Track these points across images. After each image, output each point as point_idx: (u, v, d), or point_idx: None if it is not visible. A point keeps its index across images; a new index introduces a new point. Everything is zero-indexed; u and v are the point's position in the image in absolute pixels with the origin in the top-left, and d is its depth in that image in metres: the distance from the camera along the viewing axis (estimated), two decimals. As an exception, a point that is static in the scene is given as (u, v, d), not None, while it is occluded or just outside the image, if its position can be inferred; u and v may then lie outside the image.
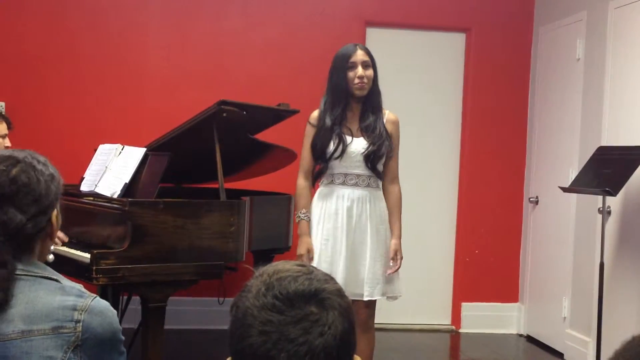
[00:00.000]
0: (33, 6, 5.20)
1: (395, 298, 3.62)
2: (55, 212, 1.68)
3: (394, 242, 3.57)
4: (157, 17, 5.33)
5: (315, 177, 3.64)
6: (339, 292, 1.17)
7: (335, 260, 3.49)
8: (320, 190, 3.62)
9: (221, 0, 5.39)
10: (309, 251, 3.51)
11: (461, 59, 5.72)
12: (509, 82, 5.71)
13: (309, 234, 3.54)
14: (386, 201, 3.65)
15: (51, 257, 2.71)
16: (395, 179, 3.67)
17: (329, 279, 1.19)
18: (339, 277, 3.44)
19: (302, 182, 3.62)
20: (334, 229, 3.51)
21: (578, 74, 5.03)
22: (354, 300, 3.54)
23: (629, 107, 4.43)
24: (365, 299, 3.51)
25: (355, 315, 1.20)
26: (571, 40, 5.14)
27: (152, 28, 5.33)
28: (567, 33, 5.22)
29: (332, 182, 3.57)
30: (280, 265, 1.19)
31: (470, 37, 5.68)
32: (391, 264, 3.54)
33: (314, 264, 3.49)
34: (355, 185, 3.54)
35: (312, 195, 3.66)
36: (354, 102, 3.56)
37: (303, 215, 3.57)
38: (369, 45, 5.33)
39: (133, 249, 3.34)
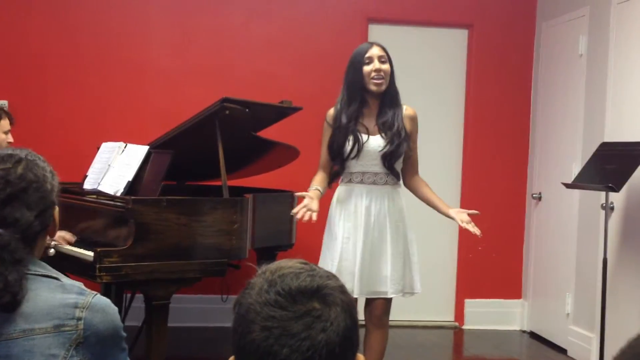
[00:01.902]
0: (36, 4, 5.20)
1: (412, 294, 3.59)
2: (57, 209, 1.70)
3: (453, 210, 3.58)
4: (159, 15, 5.33)
5: (333, 177, 3.63)
6: (342, 289, 1.18)
7: (356, 258, 3.47)
8: (339, 189, 3.61)
9: (223, -2, 5.40)
10: (309, 199, 3.37)
11: (463, 56, 5.72)
12: (511, 78, 5.71)
13: (316, 198, 3.41)
14: (418, 191, 3.67)
15: (52, 251, 2.73)
16: (417, 170, 3.70)
17: (332, 276, 1.20)
18: (356, 275, 3.44)
19: (317, 173, 3.62)
20: (354, 228, 3.50)
21: (581, 70, 5.02)
22: (371, 298, 3.55)
23: (632, 103, 4.43)
24: (390, 296, 3.51)
25: (357, 312, 1.20)
26: (574, 36, 5.13)
27: (154, 26, 5.33)
28: (569, 29, 5.21)
29: (350, 181, 3.56)
30: (283, 263, 1.20)
31: (473, 34, 5.67)
32: (468, 224, 3.45)
33: (335, 264, 3.47)
34: (373, 183, 3.53)
35: (332, 191, 3.65)
36: (371, 99, 3.52)
37: (312, 188, 3.49)
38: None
39: (136, 246, 3.35)
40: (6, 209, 1.60)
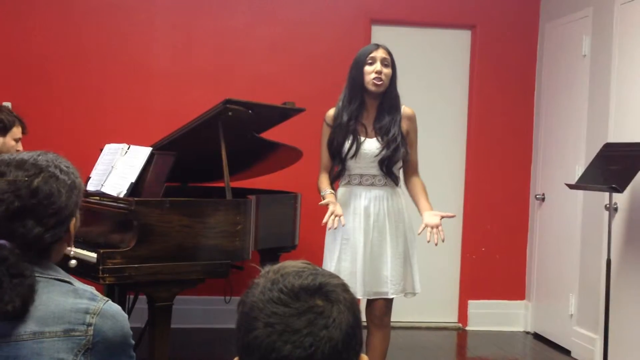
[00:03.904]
0: (39, 7, 5.21)
1: (413, 294, 3.61)
2: (73, 221, 1.68)
3: (427, 212, 3.46)
4: (162, 17, 5.34)
5: (334, 179, 3.63)
6: (344, 287, 1.20)
7: (355, 259, 3.48)
8: (339, 191, 3.61)
9: (226, -1, 5.40)
10: (332, 205, 3.35)
11: (467, 56, 5.72)
12: (514, 79, 5.70)
13: (333, 198, 3.43)
14: (411, 191, 3.65)
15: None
16: (417, 170, 3.67)
17: (334, 275, 1.22)
18: (359, 276, 3.45)
19: (321, 176, 3.61)
20: (353, 229, 3.51)
21: (584, 70, 5.01)
22: (372, 299, 3.55)
23: (636, 104, 4.42)
24: (390, 296, 3.51)
25: (360, 311, 1.22)
26: (577, 36, 5.12)
27: (157, 27, 5.33)
28: (573, 29, 5.20)
29: (349, 183, 3.57)
30: (286, 263, 1.23)
31: (476, 34, 5.67)
32: (431, 230, 3.37)
33: (333, 264, 3.48)
34: (372, 185, 3.54)
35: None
36: (369, 100, 3.54)
37: (327, 192, 3.48)
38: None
39: (139, 248, 3.35)
40: (14, 223, 1.58)
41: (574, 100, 5.15)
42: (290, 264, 1.22)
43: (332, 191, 3.53)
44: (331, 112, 3.60)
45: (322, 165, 3.64)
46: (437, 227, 3.40)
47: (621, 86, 4.57)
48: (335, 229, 3.34)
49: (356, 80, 3.51)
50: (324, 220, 3.32)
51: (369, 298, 3.55)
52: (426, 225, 3.41)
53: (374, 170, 3.53)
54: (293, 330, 1.11)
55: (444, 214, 3.48)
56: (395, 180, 3.58)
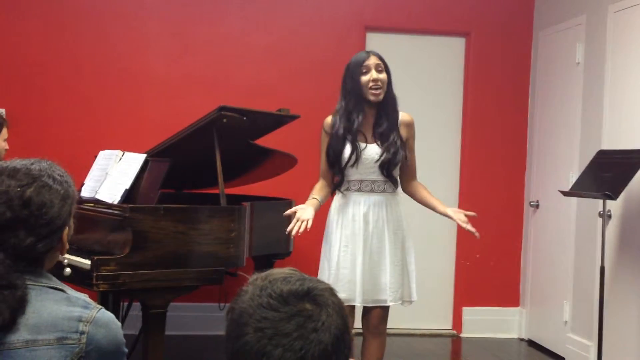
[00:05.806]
0: (34, 13, 5.21)
1: (410, 302, 3.61)
2: (66, 230, 1.67)
3: (451, 209, 3.57)
4: (157, 24, 5.34)
5: (335, 188, 3.61)
6: (331, 291, 1.22)
7: (355, 266, 3.47)
8: (337, 197, 3.60)
9: (221, 6, 5.41)
10: (300, 211, 3.35)
11: (461, 64, 5.73)
12: (509, 86, 5.72)
13: (310, 206, 3.42)
14: (417, 194, 3.67)
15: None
16: (415, 176, 3.69)
17: (321, 280, 1.24)
18: (358, 284, 3.44)
19: (317, 183, 3.61)
20: (352, 235, 3.50)
21: (578, 77, 5.03)
22: (368, 306, 3.54)
23: (629, 111, 4.44)
24: (389, 304, 3.51)
25: (347, 316, 1.24)
26: (571, 44, 5.14)
27: (152, 34, 5.34)
28: (566, 37, 5.23)
29: (348, 189, 3.55)
30: (274, 271, 1.25)
31: (470, 42, 5.69)
32: (467, 224, 3.44)
33: (332, 272, 3.48)
34: (371, 191, 3.53)
35: (330, 200, 3.65)
36: (368, 108, 3.53)
37: (311, 197, 3.50)
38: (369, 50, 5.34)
39: (133, 255, 3.34)
40: (6, 234, 1.56)
41: (567, 107, 5.16)
42: (278, 271, 1.24)
43: (317, 197, 3.51)
44: (329, 119, 3.58)
45: (320, 173, 3.63)
46: (468, 222, 3.47)
47: (614, 93, 4.59)
48: (301, 233, 3.29)
49: (354, 92, 3.49)
50: (289, 229, 3.30)
51: (366, 305, 3.54)
52: (461, 221, 3.47)
53: (374, 175, 3.53)
54: (283, 334, 1.13)
55: (466, 212, 3.54)
56: (395, 184, 3.57)
